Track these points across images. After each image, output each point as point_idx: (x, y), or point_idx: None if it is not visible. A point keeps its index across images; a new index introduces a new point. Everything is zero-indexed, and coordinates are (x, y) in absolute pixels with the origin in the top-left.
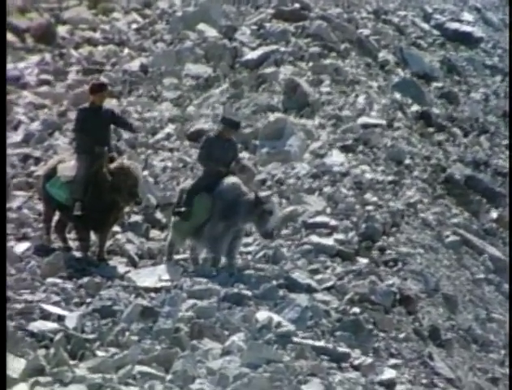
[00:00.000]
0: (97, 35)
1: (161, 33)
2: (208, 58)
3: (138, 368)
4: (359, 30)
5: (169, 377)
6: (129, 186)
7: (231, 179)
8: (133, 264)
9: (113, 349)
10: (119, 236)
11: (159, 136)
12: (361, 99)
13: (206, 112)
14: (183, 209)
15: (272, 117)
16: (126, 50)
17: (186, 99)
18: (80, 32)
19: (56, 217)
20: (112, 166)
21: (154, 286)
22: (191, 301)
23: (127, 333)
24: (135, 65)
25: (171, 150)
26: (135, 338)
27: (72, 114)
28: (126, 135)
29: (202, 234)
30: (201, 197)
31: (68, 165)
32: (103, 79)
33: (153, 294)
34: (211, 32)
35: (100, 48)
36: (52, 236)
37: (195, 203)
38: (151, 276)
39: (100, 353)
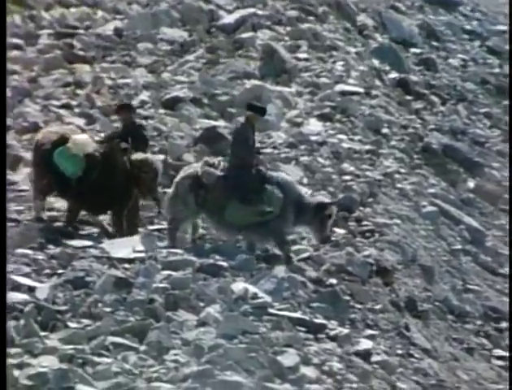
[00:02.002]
0: None
1: None
2: (184, 21)
3: (111, 339)
4: None
5: (143, 348)
6: (149, 180)
7: (285, 177)
8: (107, 235)
9: (85, 321)
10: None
11: (134, 103)
12: (338, 66)
13: (181, 79)
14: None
15: (249, 84)
16: (100, 13)
17: (161, 65)
18: None
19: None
20: (134, 157)
21: (128, 257)
22: (166, 272)
23: (100, 304)
24: (109, 28)
25: (145, 118)
26: (108, 309)
27: (44, 80)
28: (100, 102)
29: (268, 228)
30: (272, 192)
31: (82, 139)
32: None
33: (127, 265)
34: None
35: (72, 10)
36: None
37: (267, 196)
38: (125, 247)
39: (72, 325)
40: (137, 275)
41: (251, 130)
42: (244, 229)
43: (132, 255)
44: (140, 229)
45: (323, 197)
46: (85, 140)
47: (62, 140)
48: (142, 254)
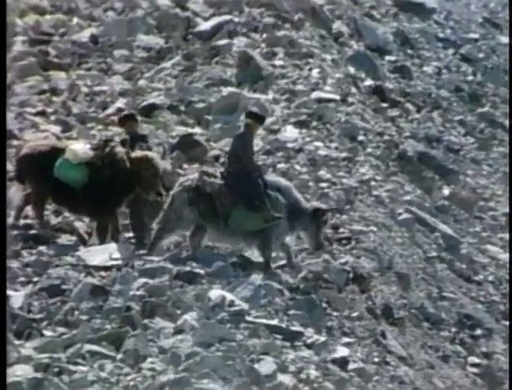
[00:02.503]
0: (45, 2)
1: (111, 1)
2: (160, 28)
3: (87, 347)
4: None
5: (119, 356)
6: (149, 176)
7: (284, 182)
8: (83, 242)
9: (61, 329)
10: (68, 214)
11: (110, 110)
12: (315, 73)
13: (157, 86)
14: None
15: (225, 91)
16: (75, 20)
17: (137, 72)
18: None
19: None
20: (134, 155)
21: (104, 264)
22: (142, 280)
23: (76, 312)
24: (84, 35)
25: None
26: (84, 317)
27: (18, 88)
28: (76, 109)
29: (271, 234)
30: (276, 198)
31: (79, 147)
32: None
33: (103, 273)
34: (163, 1)
35: (47, 17)
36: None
37: (271, 202)
38: (101, 255)
39: (47, 333)
40: (114, 283)
41: (251, 137)
42: (248, 236)
43: (109, 263)
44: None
45: (318, 203)
46: (82, 148)
47: (55, 151)
48: (119, 262)
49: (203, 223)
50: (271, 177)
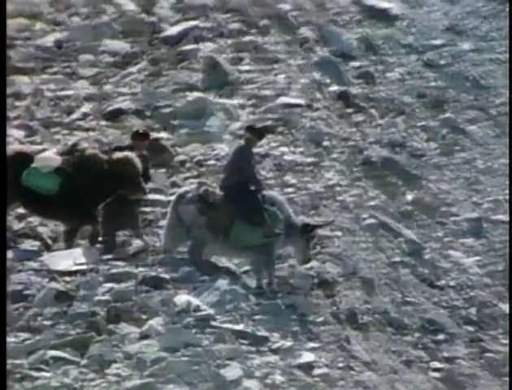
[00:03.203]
0: (8, 6)
1: (76, 6)
2: (126, 33)
3: (51, 353)
4: (279, 5)
5: (84, 362)
6: (133, 176)
7: (278, 197)
8: (47, 247)
9: (24, 335)
10: (31, 219)
11: (75, 115)
12: (281, 78)
13: (123, 91)
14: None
15: (191, 96)
16: (39, 24)
17: (103, 77)
18: None
19: None
20: (115, 156)
21: (68, 269)
22: (108, 285)
23: (39, 318)
24: (49, 40)
25: (87, 130)
26: (48, 322)
27: None
28: (40, 114)
29: (269, 249)
30: (275, 213)
31: (47, 155)
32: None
33: (67, 278)
34: (129, 6)
35: (10, 21)
36: None
37: (271, 217)
38: (66, 260)
39: (10, 339)
40: (79, 288)
41: (252, 151)
42: (246, 251)
43: (74, 268)
44: (81, 242)
45: (307, 218)
46: (50, 155)
47: (21, 157)
48: (84, 267)
49: (204, 236)
50: (266, 192)
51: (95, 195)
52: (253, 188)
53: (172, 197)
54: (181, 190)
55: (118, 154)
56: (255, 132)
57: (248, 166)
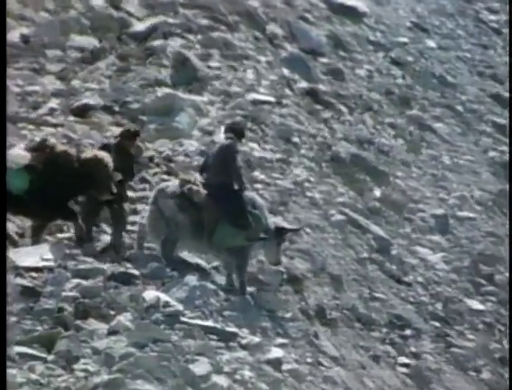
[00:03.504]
0: None
1: (43, 1)
2: (94, 28)
3: (17, 349)
4: (248, 1)
5: (51, 357)
6: (102, 176)
7: (259, 200)
8: (13, 243)
9: None
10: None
11: (42, 110)
12: (249, 74)
13: (91, 86)
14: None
15: (160, 92)
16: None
17: (70, 72)
18: None
19: None
20: (84, 155)
21: (35, 265)
22: (76, 281)
23: None
24: (15, 35)
25: (54, 126)
26: (14, 319)
27: None
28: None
29: (247, 252)
30: (259, 217)
31: (17, 152)
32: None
33: (34, 274)
34: (97, 1)
35: None
36: None
37: (255, 220)
38: (32, 255)
39: None
40: (46, 284)
41: (237, 151)
42: (226, 251)
43: (40, 264)
44: (48, 237)
45: (278, 221)
46: (18, 152)
47: None
48: (51, 263)
49: (183, 233)
50: (247, 192)
51: (65, 192)
52: (236, 188)
53: (151, 192)
54: (163, 184)
55: (88, 153)
56: (236, 131)
57: (234, 165)
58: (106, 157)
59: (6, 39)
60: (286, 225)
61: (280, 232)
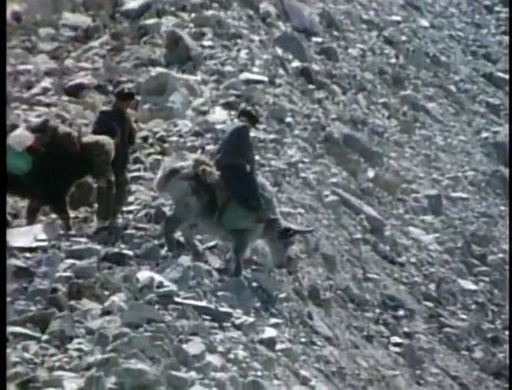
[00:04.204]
0: None
1: None
2: (87, 6)
3: (11, 329)
4: None
5: (45, 337)
6: (101, 162)
7: (269, 187)
8: (6, 224)
9: None
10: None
11: (35, 90)
12: (243, 54)
13: (85, 65)
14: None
15: (154, 72)
16: None
17: (64, 51)
18: None
19: None
20: (85, 140)
21: (29, 246)
22: (69, 261)
23: None
24: (6, 13)
25: (48, 105)
26: (8, 299)
27: None
28: None
29: (253, 235)
30: (270, 200)
31: (20, 133)
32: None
33: (28, 254)
34: None
35: None
36: None
37: (266, 202)
38: (26, 236)
39: None
40: (39, 264)
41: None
42: (233, 233)
43: (34, 244)
44: (42, 218)
45: (287, 223)
46: (22, 133)
47: None
48: (44, 243)
49: (193, 215)
50: (258, 178)
51: (65, 178)
52: (248, 170)
53: (161, 170)
54: (176, 165)
55: (90, 138)
56: (250, 116)
57: (249, 147)
58: (107, 143)
59: (5, 39)
60: (295, 227)
61: (287, 233)
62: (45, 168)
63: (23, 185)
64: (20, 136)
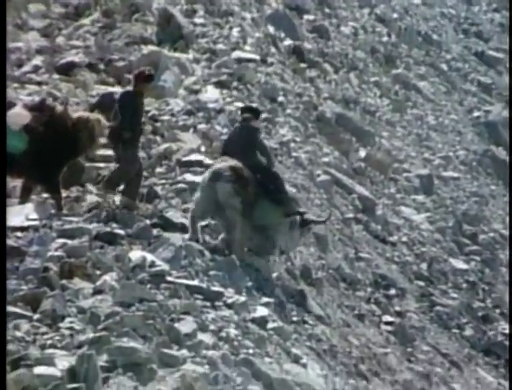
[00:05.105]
0: None
1: None
2: None
3: None
4: None
5: (36, 316)
6: (84, 138)
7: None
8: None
9: None
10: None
11: (26, 68)
12: (235, 32)
13: (76, 43)
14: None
15: (146, 50)
16: None
17: (55, 29)
18: None
19: None
20: (75, 116)
21: (20, 225)
22: (61, 240)
23: None
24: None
25: (39, 84)
26: None
27: None
28: None
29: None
30: (295, 195)
31: (17, 112)
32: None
33: (19, 233)
34: None
35: None
36: None
37: (292, 198)
38: (17, 215)
39: None
40: (31, 244)
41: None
42: (262, 229)
43: (26, 223)
44: (34, 197)
45: (307, 214)
46: (19, 112)
47: None
48: (36, 222)
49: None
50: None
51: (61, 155)
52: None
53: (206, 174)
54: (215, 167)
55: (79, 115)
56: (253, 111)
57: (261, 144)
58: (92, 120)
59: (5, 39)
60: (312, 217)
61: (306, 224)
62: (42, 147)
63: (19, 164)
64: (17, 115)
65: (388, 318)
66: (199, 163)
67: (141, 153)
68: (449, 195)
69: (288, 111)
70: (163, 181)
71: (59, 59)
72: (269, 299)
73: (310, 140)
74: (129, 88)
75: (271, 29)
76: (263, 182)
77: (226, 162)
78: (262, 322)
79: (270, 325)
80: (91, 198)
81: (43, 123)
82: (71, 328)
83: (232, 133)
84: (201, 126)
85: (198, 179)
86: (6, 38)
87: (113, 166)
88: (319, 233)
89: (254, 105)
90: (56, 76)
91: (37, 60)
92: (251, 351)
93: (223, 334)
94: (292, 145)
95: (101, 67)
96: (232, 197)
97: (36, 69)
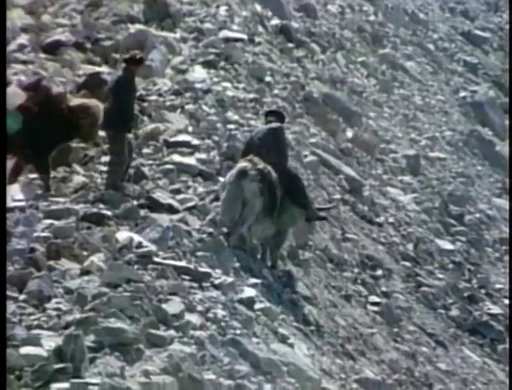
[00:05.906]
0: None
1: None
2: None
3: None
4: None
5: (22, 297)
6: (87, 125)
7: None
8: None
9: None
10: None
11: (11, 47)
12: (222, 10)
13: (62, 22)
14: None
15: (133, 28)
16: None
17: (40, 6)
18: None
19: None
20: (73, 103)
21: (6, 206)
22: (48, 221)
23: None
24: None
25: (24, 63)
26: None
27: None
28: None
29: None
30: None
31: (12, 91)
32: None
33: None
34: None
35: None
36: None
37: (312, 201)
38: None
39: None
40: (17, 224)
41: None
42: (284, 230)
43: (12, 204)
44: (20, 178)
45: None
46: (14, 91)
47: None
48: (22, 203)
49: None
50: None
51: (53, 136)
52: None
53: (232, 171)
54: (240, 165)
55: (76, 101)
56: (278, 115)
57: (286, 148)
58: (94, 106)
59: (5, 38)
60: (320, 205)
61: (322, 219)
62: (35, 127)
63: (13, 144)
64: (12, 94)
65: (374, 298)
66: (186, 144)
67: (129, 134)
68: (435, 176)
69: (276, 91)
70: (150, 162)
71: (45, 38)
72: (256, 280)
73: (298, 120)
74: (119, 72)
75: (259, 8)
76: (286, 184)
77: (251, 162)
78: (249, 302)
79: (257, 306)
80: (78, 179)
81: (37, 103)
82: (57, 309)
83: (255, 133)
84: (189, 106)
85: (186, 160)
86: None
87: (105, 148)
88: None
89: (279, 109)
90: (42, 55)
91: (23, 39)
92: (238, 331)
93: (211, 314)
94: None
95: (88, 46)
96: (256, 198)
97: (21, 48)
